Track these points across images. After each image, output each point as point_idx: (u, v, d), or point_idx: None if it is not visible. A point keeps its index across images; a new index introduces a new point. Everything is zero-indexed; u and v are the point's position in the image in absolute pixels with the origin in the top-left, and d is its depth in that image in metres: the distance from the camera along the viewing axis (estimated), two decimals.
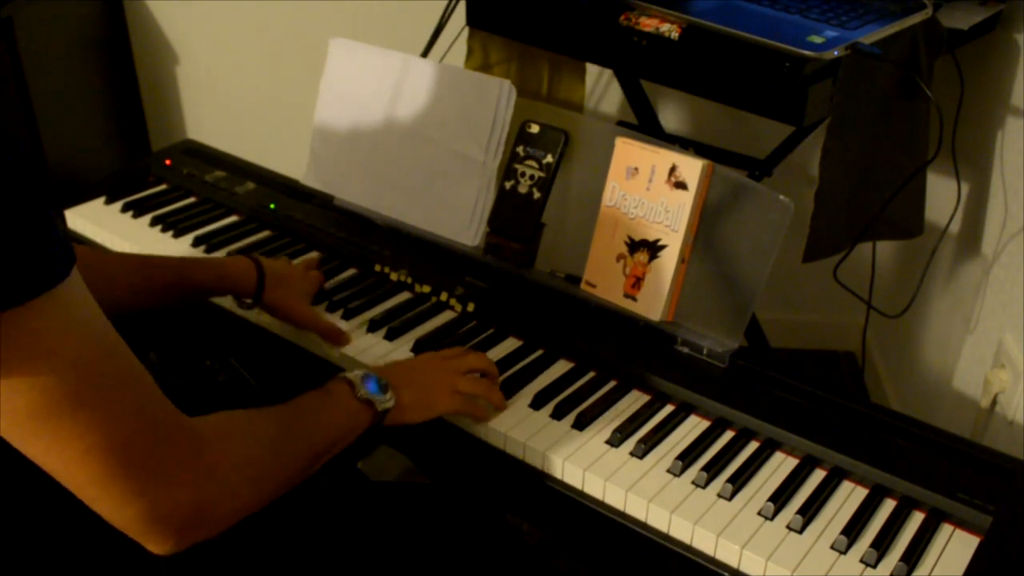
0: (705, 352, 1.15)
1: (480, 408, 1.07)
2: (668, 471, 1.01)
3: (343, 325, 1.23)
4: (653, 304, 1.17)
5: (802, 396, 1.10)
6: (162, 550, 0.77)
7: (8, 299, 0.66)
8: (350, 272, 1.35)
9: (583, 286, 1.23)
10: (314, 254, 1.36)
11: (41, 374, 0.69)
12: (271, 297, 1.18)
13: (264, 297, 1.18)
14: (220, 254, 1.38)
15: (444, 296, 1.28)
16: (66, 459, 0.71)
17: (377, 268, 1.33)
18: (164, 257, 1.17)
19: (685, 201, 1.14)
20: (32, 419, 0.69)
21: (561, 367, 1.17)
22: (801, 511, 0.96)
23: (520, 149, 1.27)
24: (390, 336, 1.21)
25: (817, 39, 1.19)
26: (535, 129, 1.27)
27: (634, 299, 1.18)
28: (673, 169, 1.15)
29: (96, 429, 0.71)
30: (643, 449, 1.03)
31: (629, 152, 1.18)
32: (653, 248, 1.17)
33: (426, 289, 1.29)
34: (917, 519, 0.97)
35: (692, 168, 1.13)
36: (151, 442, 0.74)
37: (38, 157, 1.90)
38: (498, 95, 1.26)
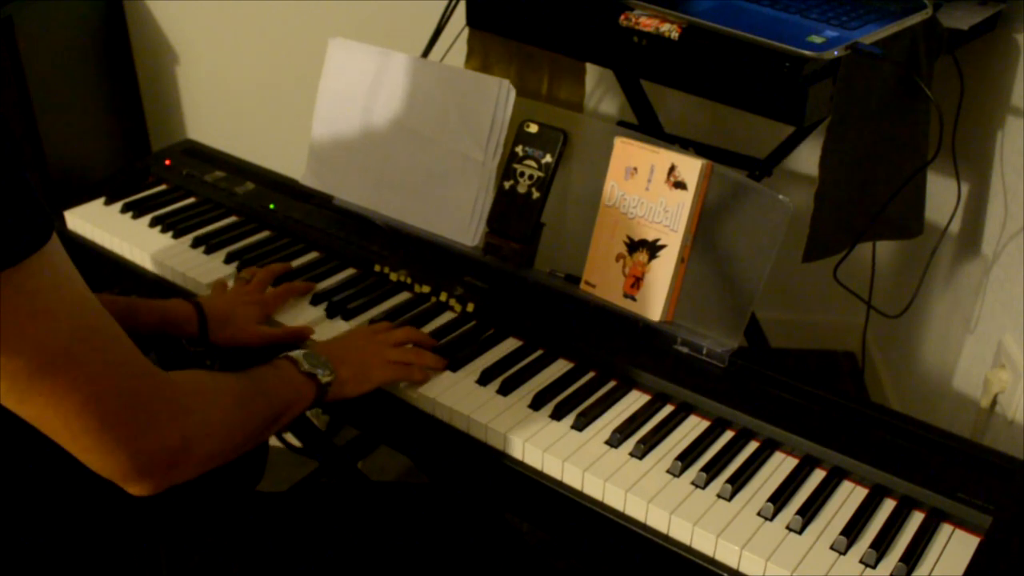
0: (705, 352, 1.15)
1: (414, 372, 1.12)
2: (668, 471, 1.01)
3: (342, 326, 1.23)
4: (653, 304, 1.17)
5: (802, 396, 1.10)
6: (145, 491, 0.81)
7: (4, 259, 0.69)
8: (350, 272, 1.35)
9: (583, 286, 1.23)
10: (275, 266, 1.32)
11: (39, 332, 0.72)
12: (218, 338, 1.18)
13: (211, 339, 1.17)
14: (220, 254, 1.38)
15: (444, 296, 1.27)
16: (64, 412, 0.75)
17: (377, 268, 1.33)
18: (111, 297, 1.14)
19: (684, 201, 1.14)
20: (31, 377, 0.72)
21: (561, 367, 1.17)
22: (801, 511, 0.96)
23: (519, 149, 1.27)
24: None
25: (817, 39, 1.19)
26: (534, 129, 1.26)
27: (633, 299, 1.18)
28: (672, 169, 1.15)
29: (91, 381, 0.75)
30: (643, 449, 1.03)
31: (628, 152, 1.18)
32: (652, 248, 1.16)
33: (426, 289, 1.29)
34: (917, 519, 0.97)
35: (691, 168, 1.13)
36: (138, 390, 0.79)
37: (38, 157, 1.90)
38: (497, 95, 1.26)
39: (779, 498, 0.97)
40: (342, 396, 1.07)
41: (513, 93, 1.26)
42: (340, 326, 1.23)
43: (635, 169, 1.17)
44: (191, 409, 0.84)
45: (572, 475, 1.02)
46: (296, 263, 1.36)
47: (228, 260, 1.37)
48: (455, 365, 1.15)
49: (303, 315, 1.25)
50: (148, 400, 0.80)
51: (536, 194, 1.26)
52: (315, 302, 1.27)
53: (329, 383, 1.04)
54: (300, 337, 1.20)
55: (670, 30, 1.26)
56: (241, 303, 1.22)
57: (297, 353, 1.05)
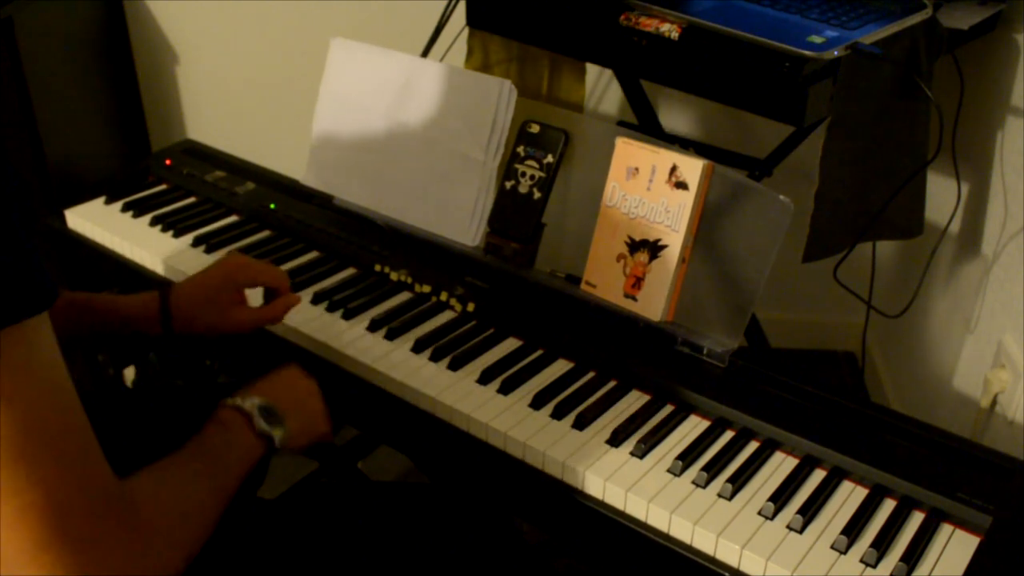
0: (705, 352, 1.15)
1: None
2: (668, 471, 1.01)
3: (343, 325, 1.23)
4: (653, 304, 1.17)
5: (802, 396, 1.10)
6: None
7: None
8: (350, 272, 1.35)
9: (583, 286, 1.23)
10: (237, 254, 1.25)
11: None
12: (185, 328, 1.09)
13: (177, 331, 1.09)
14: (220, 254, 1.38)
15: (444, 296, 1.28)
16: (2, 516, 0.63)
17: (377, 268, 1.34)
18: (72, 293, 1.06)
19: (685, 201, 1.14)
20: None
21: (561, 367, 1.17)
22: (801, 511, 0.96)
23: (520, 149, 1.27)
24: (390, 336, 1.21)
25: (817, 39, 1.19)
26: (535, 129, 1.27)
27: (634, 299, 1.18)
28: (673, 169, 1.15)
29: (38, 486, 0.64)
30: (643, 449, 1.03)
31: (629, 152, 1.18)
32: (653, 248, 1.17)
33: (426, 289, 1.29)
34: (917, 519, 0.97)
35: (692, 168, 1.13)
36: (91, 507, 0.67)
37: (38, 157, 1.90)
38: (498, 95, 1.26)
39: (779, 498, 0.97)
40: (289, 448, 0.97)
41: (515, 93, 1.26)
42: (340, 325, 1.23)
43: (636, 169, 1.17)
44: (146, 538, 0.72)
45: (573, 474, 1.02)
46: (296, 263, 1.36)
47: None
48: (455, 364, 1.15)
49: (303, 314, 1.25)
50: (101, 522, 0.68)
51: (537, 194, 1.26)
52: (315, 301, 1.27)
53: (282, 443, 0.95)
54: (282, 312, 1.15)
55: (670, 30, 1.26)
56: (210, 292, 1.12)
57: (251, 404, 0.93)
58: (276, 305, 1.16)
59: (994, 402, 1.49)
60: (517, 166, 1.28)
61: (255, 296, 1.18)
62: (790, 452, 1.05)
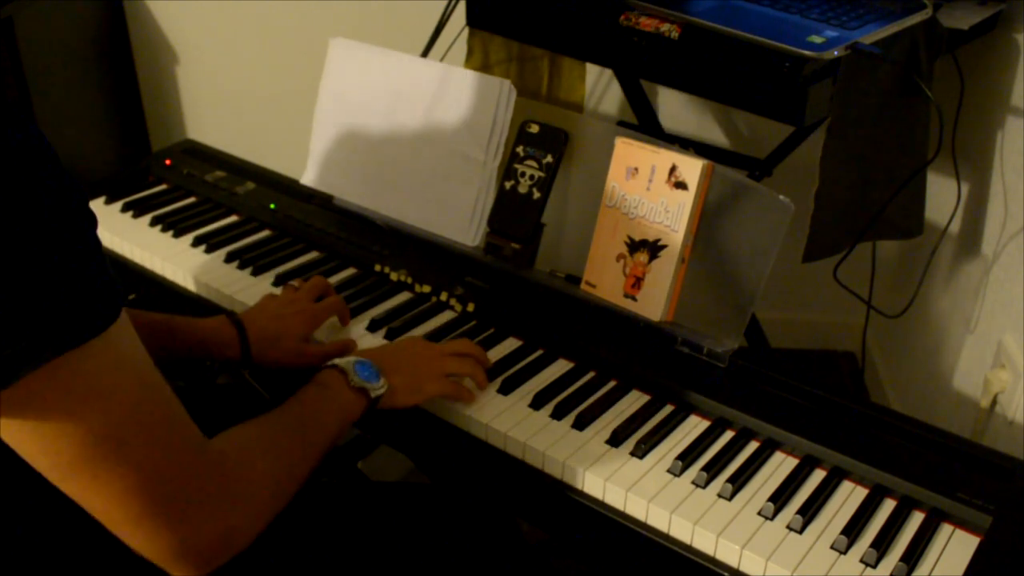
0: (705, 352, 1.15)
1: (466, 392, 1.08)
2: (668, 471, 1.01)
3: (342, 324, 1.23)
4: (653, 304, 1.17)
5: (802, 396, 1.10)
6: (189, 575, 0.76)
7: (66, 341, 0.64)
8: (350, 272, 1.35)
9: (583, 286, 1.23)
10: (320, 280, 1.24)
11: (92, 417, 0.67)
12: (264, 360, 1.10)
13: (254, 362, 1.10)
14: (220, 253, 1.38)
15: (444, 296, 1.28)
16: (104, 498, 0.70)
17: (377, 268, 1.34)
18: (148, 314, 1.07)
19: (685, 201, 1.14)
20: (75, 461, 0.68)
21: (561, 367, 1.17)
22: (801, 511, 0.96)
23: (520, 149, 1.27)
24: (390, 336, 1.21)
25: (817, 39, 1.19)
26: (535, 129, 1.27)
27: (634, 299, 1.18)
28: (673, 169, 1.15)
29: (137, 469, 0.70)
30: (643, 449, 1.03)
31: (629, 152, 1.18)
32: (653, 248, 1.17)
33: (426, 289, 1.29)
34: (917, 519, 0.97)
35: (692, 168, 1.13)
36: (186, 477, 0.74)
37: None
38: (498, 95, 1.26)
39: (779, 498, 0.97)
40: (392, 406, 1.02)
41: (515, 93, 1.26)
42: (339, 325, 1.23)
43: (636, 169, 1.17)
44: (240, 494, 0.78)
45: (573, 474, 1.02)
46: (296, 263, 1.36)
47: (228, 259, 1.37)
48: None
49: None
50: (197, 487, 0.75)
51: (537, 194, 1.26)
52: (315, 301, 1.27)
53: (380, 396, 0.99)
54: (345, 351, 1.11)
55: (670, 30, 1.26)
56: (288, 314, 1.14)
57: (346, 362, 0.98)
58: (336, 346, 1.15)
59: (994, 402, 1.49)
60: (517, 166, 1.28)
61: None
62: (790, 452, 1.05)
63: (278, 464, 0.84)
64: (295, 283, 1.24)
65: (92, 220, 0.68)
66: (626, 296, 1.19)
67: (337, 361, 0.98)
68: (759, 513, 0.96)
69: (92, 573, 0.92)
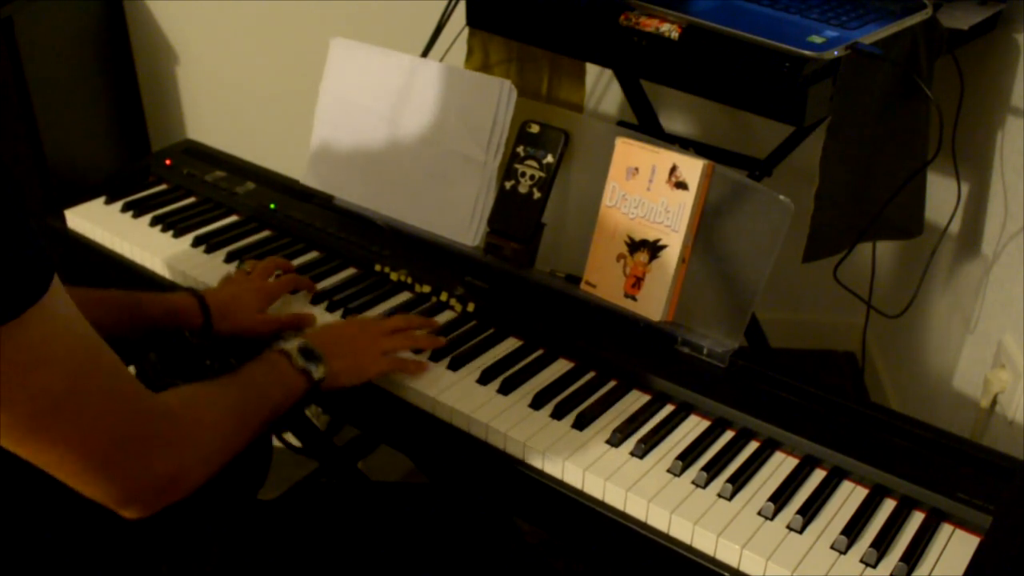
0: (705, 352, 1.15)
1: (412, 364, 1.12)
2: (668, 471, 1.01)
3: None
4: (653, 304, 1.17)
5: (802, 396, 1.10)
6: (138, 516, 0.82)
7: (4, 314, 0.67)
8: (350, 272, 1.35)
9: (583, 286, 1.23)
10: (277, 259, 1.32)
11: (36, 383, 0.71)
12: (221, 328, 1.17)
13: (214, 331, 1.17)
14: (220, 253, 1.38)
15: (444, 296, 1.28)
16: (59, 453, 0.75)
17: (377, 268, 1.34)
18: (116, 292, 1.14)
19: (685, 201, 1.14)
20: (30, 423, 0.72)
21: (561, 367, 1.17)
22: (801, 511, 0.96)
23: (520, 149, 1.27)
24: None
25: (817, 39, 1.19)
26: (535, 129, 1.27)
27: (634, 299, 1.18)
28: (673, 169, 1.15)
29: (89, 424, 0.75)
30: (643, 449, 1.03)
31: (629, 152, 1.18)
32: (653, 248, 1.17)
33: (426, 289, 1.29)
34: (917, 519, 0.97)
35: (692, 168, 1.13)
36: (135, 425, 0.79)
37: (38, 157, 1.90)
38: (498, 95, 1.26)
39: (779, 498, 0.97)
40: (337, 387, 1.07)
41: (515, 94, 1.26)
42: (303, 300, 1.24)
43: (636, 169, 1.17)
44: (186, 438, 0.84)
45: (573, 474, 1.02)
46: (296, 262, 1.36)
47: (228, 259, 1.37)
48: (455, 364, 1.15)
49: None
50: (143, 435, 0.80)
51: (537, 194, 1.26)
52: (316, 301, 1.27)
53: (322, 379, 1.04)
54: (302, 325, 1.20)
55: (670, 30, 1.26)
56: (243, 290, 1.21)
57: (291, 345, 1.04)
58: (292, 318, 1.21)
59: (994, 402, 1.49)
60: (517, 166, 1.28)
61: None
62: (790, 452, 1.05)
63: (223, 418, 0.90)
64: (247, 266, 1.30)
65: (15, 192, 0.70)
66: (626, 296, 1.19)
67: (283, 345, 1.04)
68: (759, 513, 0.96)
69: (90, 571, 0.93)
